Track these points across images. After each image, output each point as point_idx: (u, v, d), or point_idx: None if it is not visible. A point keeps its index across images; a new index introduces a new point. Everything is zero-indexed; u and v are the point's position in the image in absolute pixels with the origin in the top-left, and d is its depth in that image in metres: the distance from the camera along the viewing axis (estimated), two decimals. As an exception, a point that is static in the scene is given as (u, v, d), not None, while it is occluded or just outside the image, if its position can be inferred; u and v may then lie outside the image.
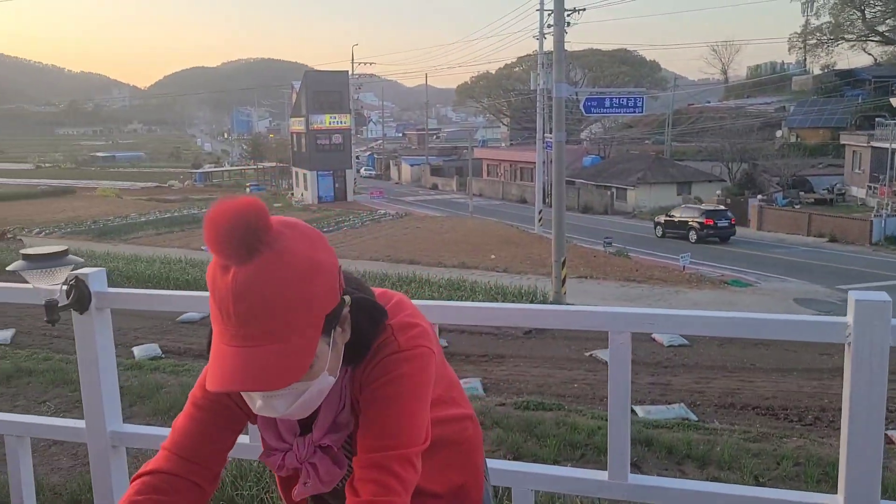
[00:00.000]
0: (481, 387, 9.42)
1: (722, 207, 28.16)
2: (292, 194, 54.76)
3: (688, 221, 26.90)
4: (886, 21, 48.92)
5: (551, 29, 19.42)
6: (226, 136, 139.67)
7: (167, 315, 14.75)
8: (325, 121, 50.14)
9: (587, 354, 11.76)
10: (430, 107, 75.16)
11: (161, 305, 2.37)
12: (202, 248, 30.75)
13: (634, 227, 33.19)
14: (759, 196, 33.32)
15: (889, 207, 27.51)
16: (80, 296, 2.35)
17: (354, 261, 23.13)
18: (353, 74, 56.61)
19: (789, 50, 59.33)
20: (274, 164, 67.75)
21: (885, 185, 29.70)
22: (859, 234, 26.33)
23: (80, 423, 2.49)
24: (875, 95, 44.69)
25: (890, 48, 52.00)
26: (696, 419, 7.81)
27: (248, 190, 60.07)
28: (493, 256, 23.53)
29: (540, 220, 30.00)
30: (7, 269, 2.26)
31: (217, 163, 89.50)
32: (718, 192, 34.75)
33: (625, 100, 22.28)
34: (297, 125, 53.70)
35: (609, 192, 40.26)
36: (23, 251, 2.23)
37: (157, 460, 1.26)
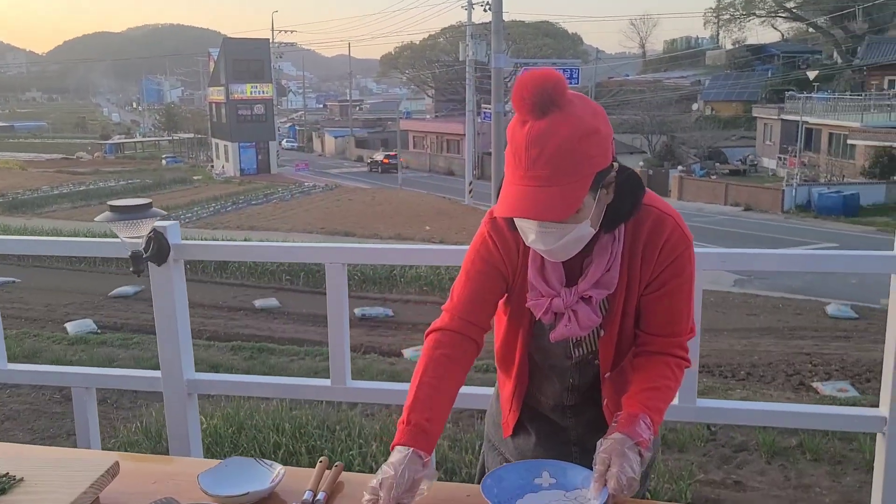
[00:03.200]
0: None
1: (393, 154, 46.31)
2: (212, 166, 53.17)
3: (378, 161, 47.88)
4: (794, -2, 51.14)
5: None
6: (135, 105, 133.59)
7: (97, 290, 14.39)
8: (246, 90, 48.77)
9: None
10: (351, 78, 74.09)
11: (238, 256, 2.43)
12: (96, 219, 29.66)
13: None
14: (680, 167, 34.57)
15: (798, 177, 29.05)
16: (159, 248, 2.41)
17: (288, 233, 22.81)
18: (272, 43, 55.19)
19: (704, 25, 61.26)
20: (191, 135, 65.53)
21: (794, 156, 31.27)
22: (772, 203, 27.70)
23: (153, 373, 2.55)
24: (784, 70, 46.82)
25: (797, 24, 54.42)
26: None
27: (163, 162, 57.92)
28: (427, 228, 23.67)
29: (471, 192, 30.30)
30: (95, 219, 2.30)
31: (127, 134, 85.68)
32: (641, 163, 35.83)
33: (561, 70, 22.57)
34: (215, 95, 51.93)
35: (535, 163, 40.82)
36: (110, 202, 2.27)
37: (441, 320, 1.53)
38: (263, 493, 1.37)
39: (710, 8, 57.43)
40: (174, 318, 2.45)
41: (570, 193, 1.27)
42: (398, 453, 1.34)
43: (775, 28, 56.27)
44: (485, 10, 27.55)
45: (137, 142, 74.85)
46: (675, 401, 2.26)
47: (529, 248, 1.43)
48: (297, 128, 73.78)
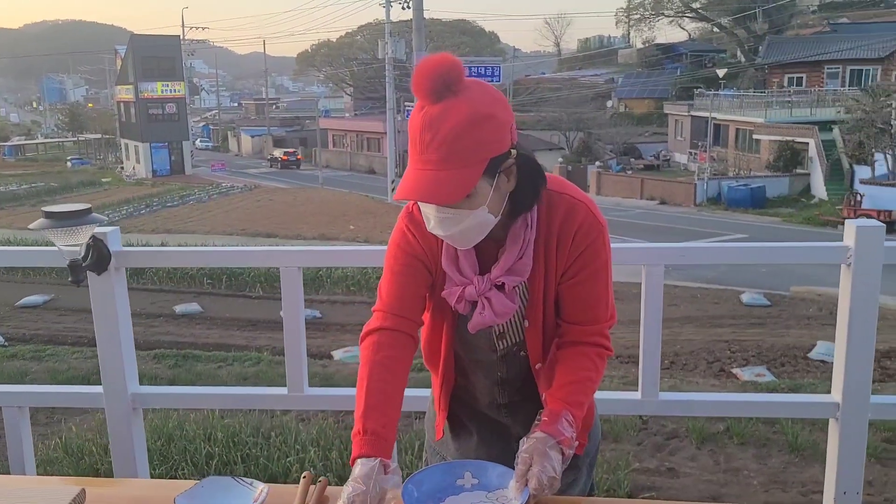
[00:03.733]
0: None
1: (292, 150, 51.10)
2: (122, 168, 51.15)
3: (277, 158, 50.23)
4: (700, -1, 53.09)
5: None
6: (35, 105, 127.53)
7: (2, 300, 13.67)
8: (157, 89, 47.20)
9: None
10: (266, 76, 72.63)
11: (185, 262, 2.31)
12: (30, 227, 28.30)
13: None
14: (597, 163, 35.36)
15: (709, 171, 30.18)
16: (99, 256, 2.27)
17: (206, 235, 22.16)
18: (183, 40, 53.53)
19: (616, 24, 62.91)
20: (98, 135, 62.84)
21: (704, 151, 32.46)
22: (685, 197, 28.69)
23: (94, 389, 2.39)
24: (692, 68, 48.60)
25: (703, 24, 56.56)
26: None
27: (69, 164, 55.39)
28: (352, 227, 23.46)
29: (394, 190, 30.19)
30: (29, 227, 2.14)
31: (28, 135, 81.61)
32: (560, 159, 36.47)
33: (482, 68, 22.77)
34: (124, 93, 50.02)
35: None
36: (45, 209, 2.12)
37: (375, 321, 1.50)
38: (248, 515, 1.29)
39: (622, 8, 59.05)
40: (116, 329, 2.31)
41: (462, 178, 1.27)
42: (363, 466, 1.30)
43: (682, 28, 58.35)
44: (403, 8, 27.50)
45: (39, 143, 71.28)
46: (638, 395, 2.28)
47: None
48: (212, 127, 71.84)
